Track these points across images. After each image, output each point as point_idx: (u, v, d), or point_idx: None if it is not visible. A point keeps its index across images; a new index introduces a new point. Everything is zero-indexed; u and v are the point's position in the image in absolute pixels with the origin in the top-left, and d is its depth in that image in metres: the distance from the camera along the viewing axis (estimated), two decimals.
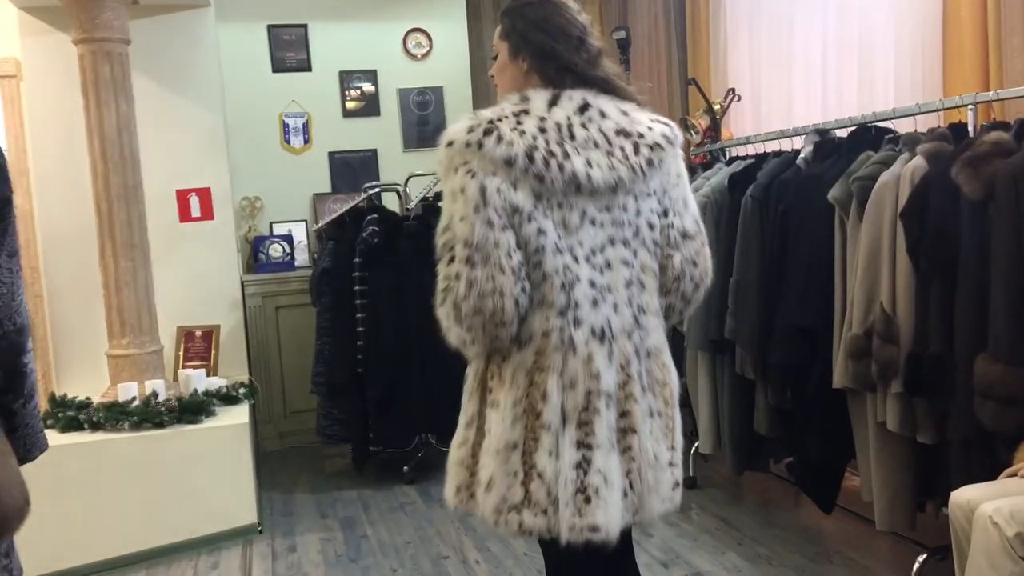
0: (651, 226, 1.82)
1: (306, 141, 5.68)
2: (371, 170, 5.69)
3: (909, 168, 2.59)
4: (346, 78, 5.70)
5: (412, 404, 4.27)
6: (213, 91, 4.73)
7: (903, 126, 3.07)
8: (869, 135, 3.01)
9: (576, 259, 1.74)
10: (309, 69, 5.64)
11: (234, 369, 4.75)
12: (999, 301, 2.26)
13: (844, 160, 2.97)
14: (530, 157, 1.70)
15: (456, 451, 1.88)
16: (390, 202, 4.81)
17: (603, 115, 1.79)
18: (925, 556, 2.82)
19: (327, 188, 5.70)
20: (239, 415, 3.91)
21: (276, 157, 5.63)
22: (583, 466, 1.74)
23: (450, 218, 1.73)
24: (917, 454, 2.75)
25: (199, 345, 4.61)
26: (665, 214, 1.84)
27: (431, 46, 5.79)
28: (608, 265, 1.78)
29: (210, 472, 3.72)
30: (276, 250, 5.40)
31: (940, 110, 2.77)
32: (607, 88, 1.82)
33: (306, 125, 5.67)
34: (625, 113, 1.81)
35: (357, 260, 4.25)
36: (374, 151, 5.76)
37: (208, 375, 4.27)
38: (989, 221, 2.33)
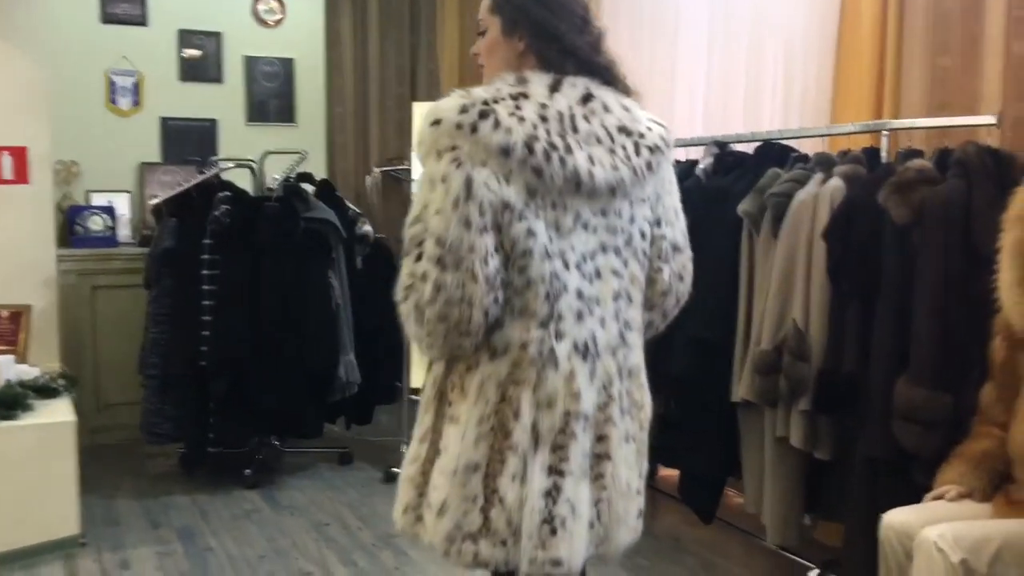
0: (643, 235, 1.68)
1: (135, 103, 5.09)
2: (209, 142, 5.19)
3: (828, 188, 2.61)
4: (186, 38, 5.17)
5: (260, 402, 3.91)
6: (34, 38, 4.09)
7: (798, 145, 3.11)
8: (773, 152, 3.03)
9: (566, 265, 1.58)
10: (144, 23, 5.06)
11: (43, 356, 4.15)
12: (924, 326, 2.31)
13: (750, 175, 2.97)
14: (529, 147, 1.52)
15: (407, 467, 1.70)
16: (238, 180, 4.37)
17: (606, 108, 1.63)
18: (818, 572, 2.87)
19: (157, 157, 5.14)
20: (61, 411, 3.40)
21: (99, 118, 5.01)
22: (552, 494, 1.59)
23: (423, 208, 1.53)
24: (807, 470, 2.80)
25: (5, 327, 3.98)
26: (659, 223, 1.71)
27: (284, 13, 5.37)
28: (598, 274, 1.63)
29: (26, 476, 3.20)
30: (96, 223, 4.79)
31: (853, 133, 2.82)
32: (608, 78, 1.67)
33: (136, 86, 5.08)
34: (627, 109, 1.66)
35: (207, 241, 3.83)
36: (213, 121, 5.26)
37: (17, 362, 3.70)
38: (913, 246, 2.38)
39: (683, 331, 2.98)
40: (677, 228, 1.75)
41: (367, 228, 4.29)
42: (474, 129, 1.50)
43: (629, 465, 1.69)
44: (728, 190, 2.98)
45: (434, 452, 1.63)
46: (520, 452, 1.57)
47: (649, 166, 1.65)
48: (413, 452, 1.68)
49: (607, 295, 1.63)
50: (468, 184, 1.49)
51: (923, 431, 2.26)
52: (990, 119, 2.47)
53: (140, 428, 4.11)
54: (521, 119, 1.53)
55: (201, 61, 5.20)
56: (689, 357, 2.98)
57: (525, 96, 1.57)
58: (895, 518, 2.08)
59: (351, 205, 4.33)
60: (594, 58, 1.66)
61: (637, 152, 1.64)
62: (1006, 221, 2.10)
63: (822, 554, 2.99)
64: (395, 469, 4.05)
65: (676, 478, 3.45)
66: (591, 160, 1.57)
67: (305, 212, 3.96)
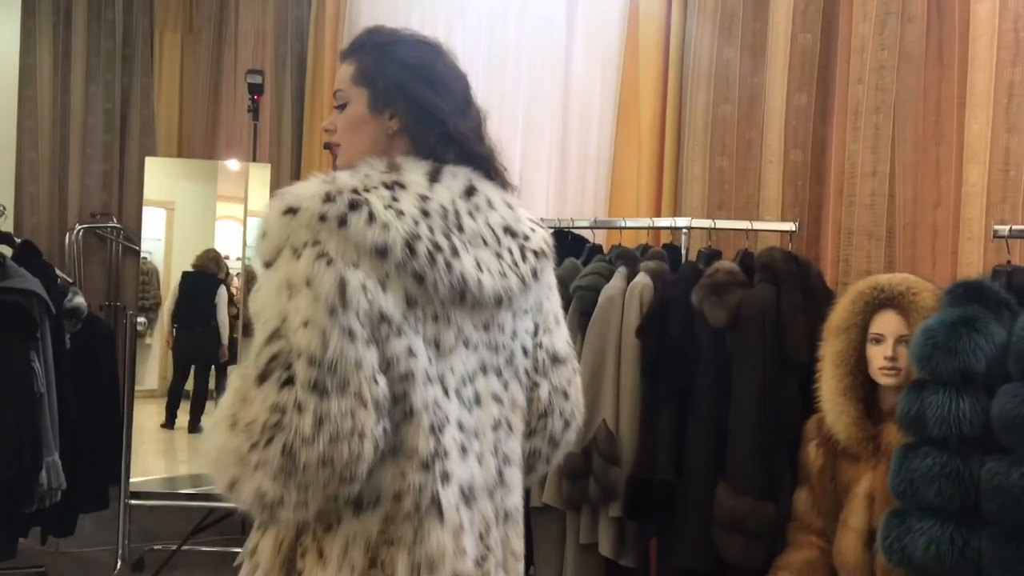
0: (525, 351, 1.45)
1: None
2: None
3: (637, 285, 2.55)
4: None
5: None
6: None
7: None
8: (566, 240, 2.94)
9: (446, 392, 1.31)
10: None
11: None
12: (744, 432, 2.29)
13: None
14: (411, 248, 1.25)
15: None
16: None
17: (490, 205, 1.40)
18: None
19: None
20: None
21: None
22: None
23: (282, 321, 1.19)
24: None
25: None
26: (536, 332, 1.48)
27: None
28: (477, 400, 1.37)
29: None
30: None
31: (651, 228, 2.81)
32: (489, 170, 1.43)
33: None
34: (510, 206, 1.44)
35: None
36: None
37: None
38: (727, 348, 2.37)
39: None
40: (557, 336, 1.52)
41: (79, 300, 3.60)
42: (343, 222, 1.21)
43: None
44: None
45: None
46: None
47: (534, 273, 1.43)
48: None
49: (486, 425, 1.37)
50: (342, 286, 1.19)
51: (749, 542, 2.22)
52: (789, 225, 2.56)
53: None
54: (399, 213, 1.26)
55: None
56: None
57: (401, 185, 1.30)
58: None
59: (60, 273, 3.63)
60: (476, 146, 1.42)
61: (523, 257, 1.41)
62: (827, 331, 2.14)
63: None
64: None
65: None
66: (478, 266, 1.33)
67: (2, 281, 3.23)
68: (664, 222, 2.75)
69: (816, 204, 2.82)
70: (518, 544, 1.45)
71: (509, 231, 1.40)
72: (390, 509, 1.24)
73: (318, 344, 1.16)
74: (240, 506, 1.21)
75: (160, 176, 4.56)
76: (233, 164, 4.46)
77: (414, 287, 1.25)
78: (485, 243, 1.35)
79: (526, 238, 1.43)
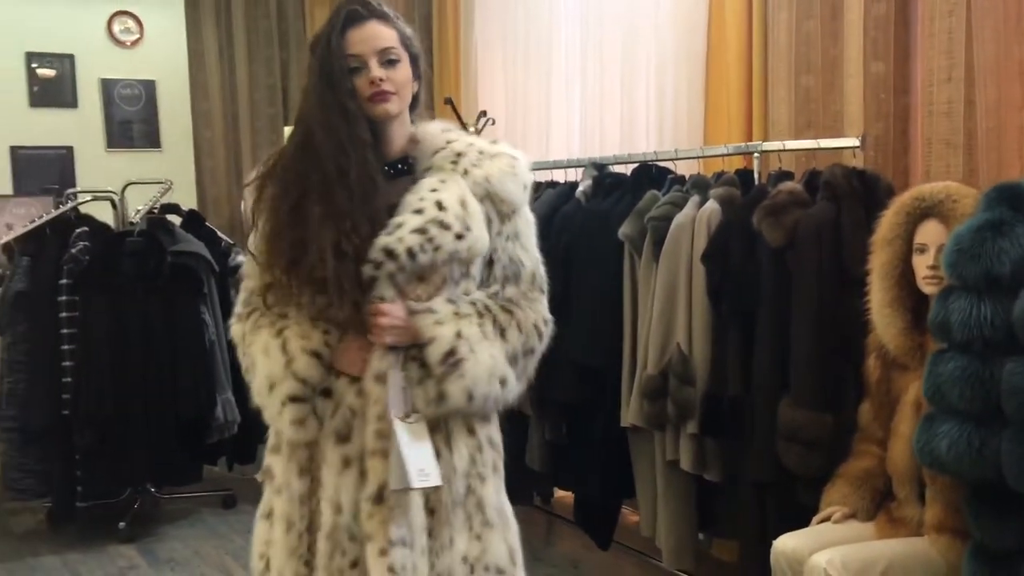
0: None
1: None
2: (66, 171, 4.89)
3: (705, 212, 2.63)
4: (34, 60, 4.85)
5: (131, 450, 3.68)
6: None
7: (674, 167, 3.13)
8: (650, 173, 3.04)
9: None
10: None
11: None
12: (802, 348, 2.34)
13: (629, 197, 2.96)
14: None
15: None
16: (98, 213, 4.12)
17: None
18: None
19: (7, 189, 4.80)
20: None
21: None
22: None
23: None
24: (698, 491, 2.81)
25: None
26: None
27: (142, 33, 5.11)
28: None
29: None
30: None
31: (725, 155, 2.85)
32: None
33: None
34: None
35: (64, 282, 3.58)
36: (69, 148, 4.96)
37: None
38: (787, 268, 2.41)
39: (566, 357, 2.96)
40: None
41: (241, 258, 4.10)
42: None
43: None
44: (608, 213, 2.97)
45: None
46: None
47: None
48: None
49: None
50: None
51: (805, 451, 2.29)
52: (854, 141, 2.54)
53: (2, 485, 3.82)
54: None
55: (54, 85, 4.88)
56: (575, 383, 2.96)
57: None
58: (785, 544, 2.10)
59: (223, 236, 4.15)
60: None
61: None
62: (874, 244, 2.16)
63: (719, 571, 3.01)
64: None
65: (572, 500, 3.42)
66: None
67: (172, 246, 3.75)
68: (718, 150, 2.80)
69: (902, 116, 2.74)
70: None
71: None
72: None
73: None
74: (491, 398, 1.62)
75: None
76: None
77: None
78: None
79: None
